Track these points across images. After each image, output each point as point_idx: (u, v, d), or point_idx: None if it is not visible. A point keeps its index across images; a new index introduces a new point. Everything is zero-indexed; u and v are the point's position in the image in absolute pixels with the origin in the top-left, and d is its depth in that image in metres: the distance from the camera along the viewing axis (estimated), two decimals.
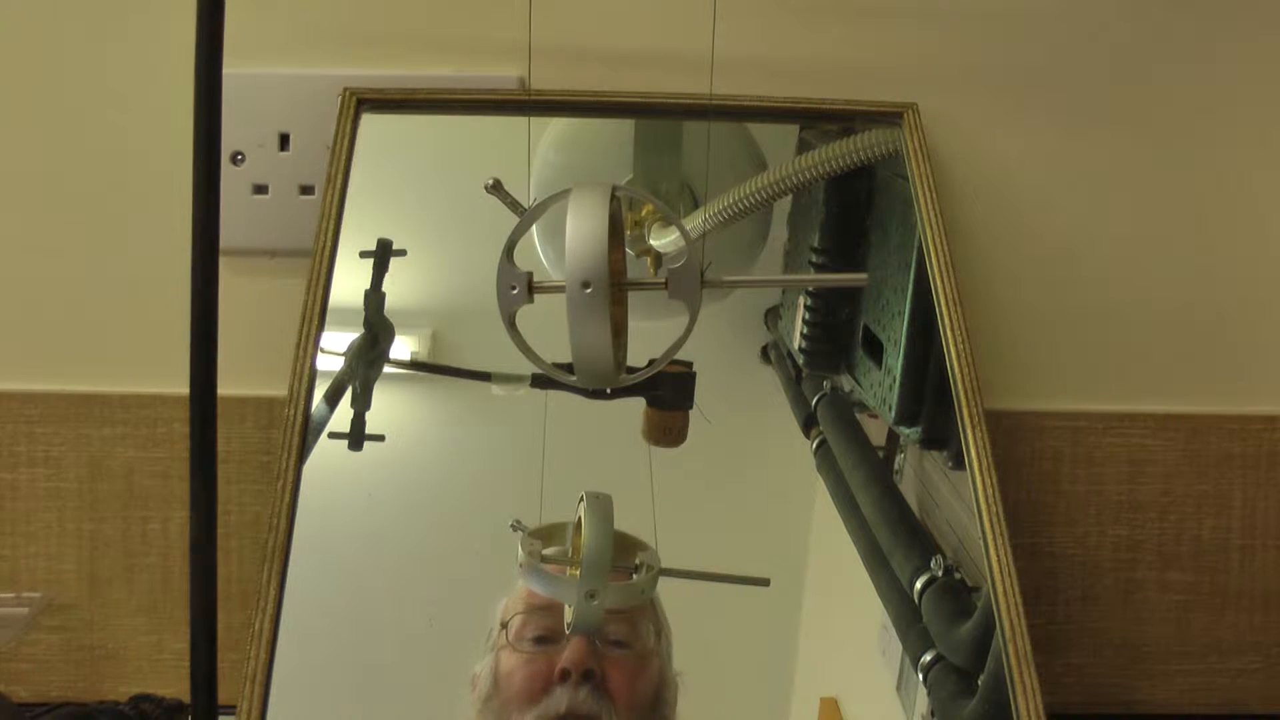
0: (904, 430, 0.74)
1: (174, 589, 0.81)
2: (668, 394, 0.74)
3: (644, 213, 0.77)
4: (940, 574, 0.68)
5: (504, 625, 0.66)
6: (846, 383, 0.79)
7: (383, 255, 0.75)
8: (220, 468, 0.57)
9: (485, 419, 0.77)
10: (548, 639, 0.65)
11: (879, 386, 0.76)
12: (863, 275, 0.59)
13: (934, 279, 0.72)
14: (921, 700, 0.66)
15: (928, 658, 0.66)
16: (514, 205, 0.55)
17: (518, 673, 0.64)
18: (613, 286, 0.52)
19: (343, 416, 0.71)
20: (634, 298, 0.58)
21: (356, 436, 0.71)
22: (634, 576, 0.66)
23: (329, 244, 0.72)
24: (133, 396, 0.80)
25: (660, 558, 0.66)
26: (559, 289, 0.53)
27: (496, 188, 0.55)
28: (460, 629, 0.68)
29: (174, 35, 0.71)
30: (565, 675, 0.63)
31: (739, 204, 0.75)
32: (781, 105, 0.78)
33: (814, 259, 0.79)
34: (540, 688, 0.64)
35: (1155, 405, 0.83)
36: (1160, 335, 0.83)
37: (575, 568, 0.64)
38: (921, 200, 0.75)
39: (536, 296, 0.55)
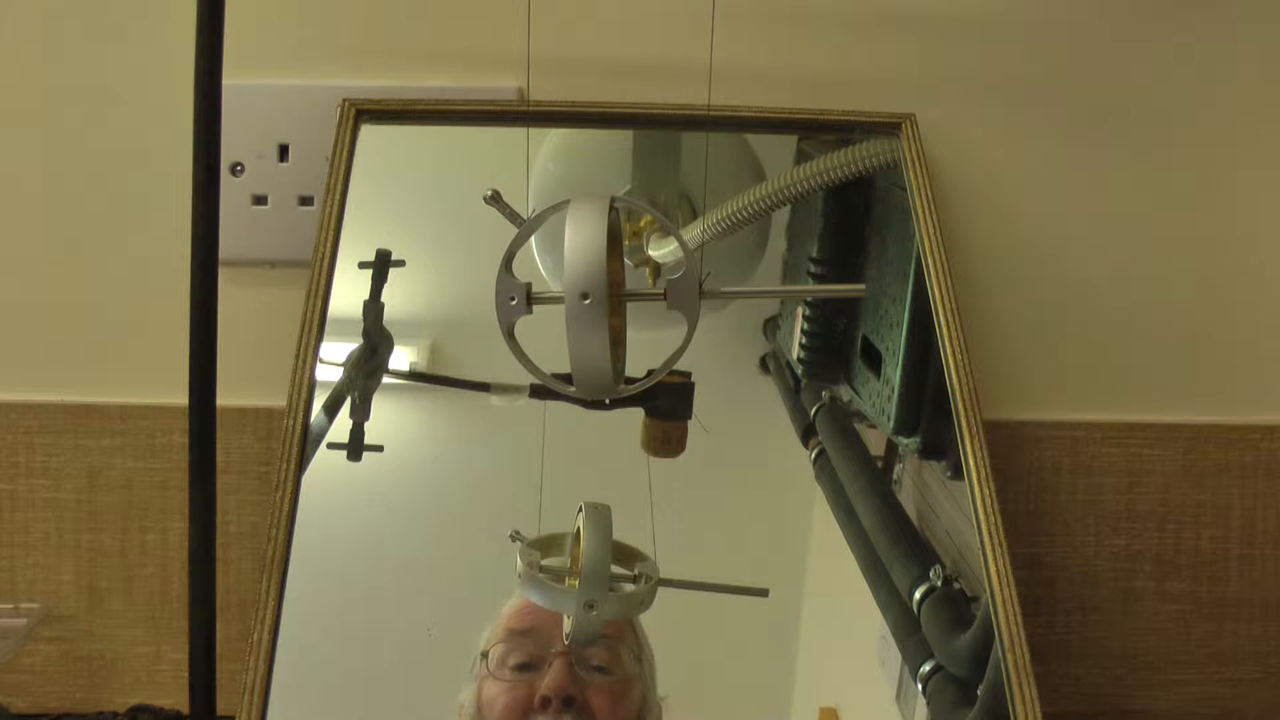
0: (902, 440, 0.75)
1: (172, 599, 0.81)
2: (666, 404, 0.74)
3: (642, 223, 0.77)
4: (939, 584, 0.68)
5: (484, 655, 0.66)
6: (845, 393, 0.79)
7: (381, 266, 0.75)
8: (219, 478, 0.57)
9: (484, 430, 0.77)
10: (529, 666, 0.65)
11: (878, 396, 0.76)
12: (861, 286, 0.59)
13: (932, 289, 0.72)
14: (921, 710, 0.66)
15: (927, 668, 0.66)
16: (513, 216, 0.55)
17: (499, 701, 0.64)
18: (611, 297, 0.52)
19: (341, 427, 0.71)
20: (632, 308, 0.58)
21: (355, 447, 0.71)
22: (633, 586, 0.66)
23: (328, 254, 0.72)
24: (132, 407, 0.80)
25: (659, 568, 0.66)
26: (557, 300, 0.53)
27: (495, 199, 0.55)
28: (459, 639, 0.68)
29: (173, 46, 0.71)
30: (546, 702, 0.63)
31: (737, 214, 0.75)
32: (780, 116, 0.79)
33: (812, 269, 0.79)
34: (521, 715, 0.63)
35: (1153, 415, 0.83)
36: (1158, 345, 0.83)
37: (574, 578, 0.64)
38: (919, 210, 0.75)
39: (535, 307, 0.55)
